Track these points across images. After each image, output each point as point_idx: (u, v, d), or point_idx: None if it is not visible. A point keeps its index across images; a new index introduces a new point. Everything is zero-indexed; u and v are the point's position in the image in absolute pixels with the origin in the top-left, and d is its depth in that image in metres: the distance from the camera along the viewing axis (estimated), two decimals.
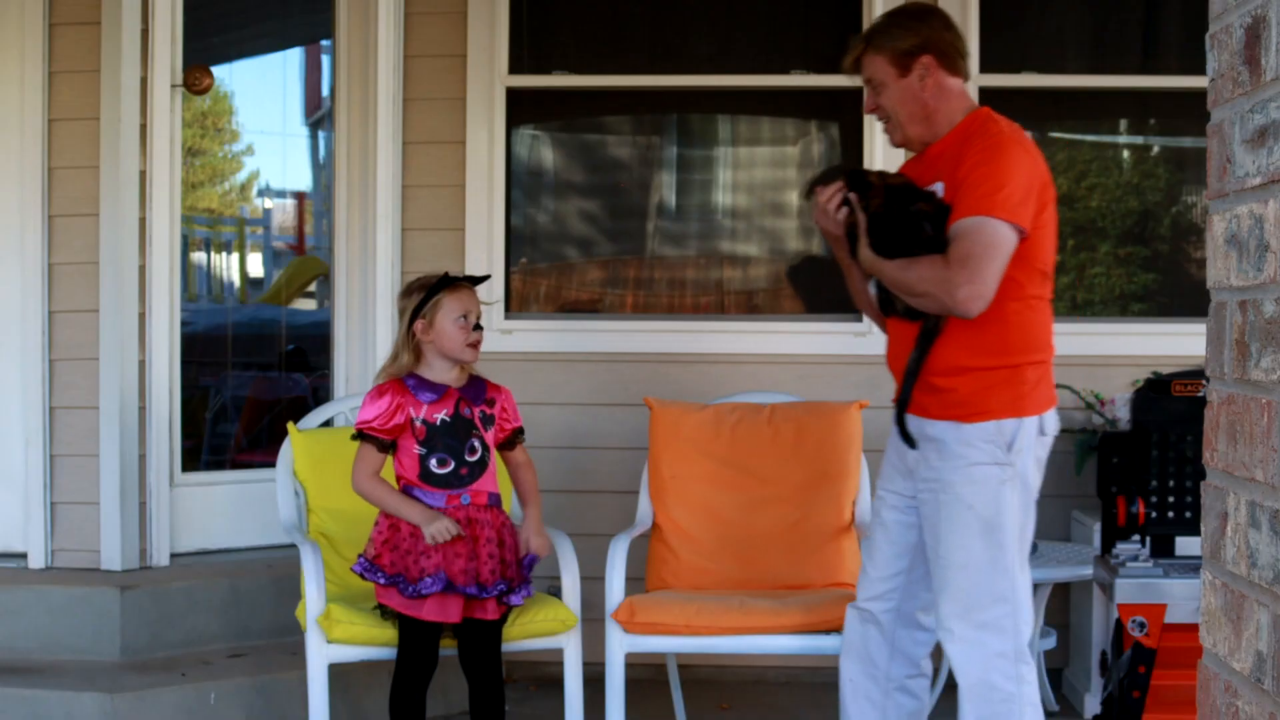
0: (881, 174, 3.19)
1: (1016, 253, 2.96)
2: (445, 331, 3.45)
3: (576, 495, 4.70)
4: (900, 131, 3.16)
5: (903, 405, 3.08)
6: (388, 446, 3.46)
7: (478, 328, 3.49)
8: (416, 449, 3.45)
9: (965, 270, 2.89)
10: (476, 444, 3.48)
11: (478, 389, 3.56)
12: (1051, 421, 3.11)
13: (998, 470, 3.01)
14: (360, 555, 3.48)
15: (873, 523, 3.29)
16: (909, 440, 3.08)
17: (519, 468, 3.64)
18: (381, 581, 3.42)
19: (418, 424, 3.44)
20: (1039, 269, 3.07)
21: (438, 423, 3.45)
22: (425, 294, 3.48)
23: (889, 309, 3.12)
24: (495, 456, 3.56)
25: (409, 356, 3.49)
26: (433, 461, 3.45)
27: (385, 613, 3.50)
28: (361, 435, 3.47)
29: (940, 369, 3.03)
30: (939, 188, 3.05)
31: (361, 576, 3.47)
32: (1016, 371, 3.04)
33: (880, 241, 3.02)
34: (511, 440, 3.60)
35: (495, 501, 3.51)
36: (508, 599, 3.47)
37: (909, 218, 3.01)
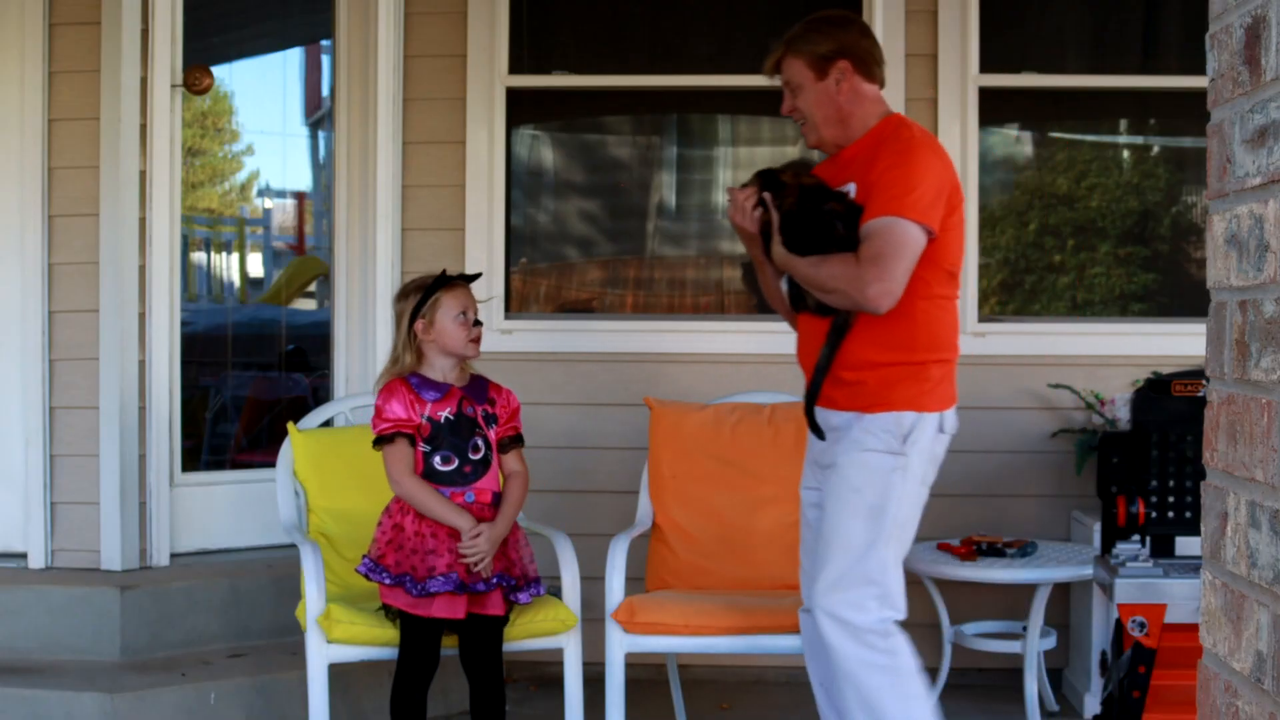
0: (796, 174, 3.26)
1: (925, 253, 3.07)
2: (446, 329, 3.48)
3: (576, 495, 4.70)
4: (815, 133, 3.26)
5: (812, 399, 3.17)
6: (414, 441, 3.47)
7: (477, 323, 3.52)
8: (421, 446, 3.47)
9: (875, 268, 3.00)
10: (480, 442, 3.50)
11: (480, 388, 3.57)
12: (951, 420, 3.20)
13: (889, 459, 3.11)
14: (364, 556, 3.49)
15: (801, 523, 3.36)
16: (818, 432, 3.19)
17: (511, 476, 3.62)
18: (387, 581, 3.42)
19: (423, 422, 3.46)
20: (946, 269, 3.16)
21: (442, 421, 3.47)
22: (423, 294, 3.50)
23: (800, 305, 3.21)
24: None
25: (411, 357, 3.51)
26: (437, 459, 3.46)
27: (390, 613, 3.50)
28: (386, 438, 3.45)
29: (849, 363, 3.13)
30: (851, 189, 3.15)
31: (366, 577, 3.47)
32: (921, 368, 3.14)
33: (793, 239, 3.12)
34: (508, 444, 3.60)
35: (498, 500, 3.53)
36: (515, 596, 3.48)
37: (821, 216, 3.10)
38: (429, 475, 3.46)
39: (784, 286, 3.26)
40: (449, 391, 3.50)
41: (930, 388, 3.14)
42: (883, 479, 3.11)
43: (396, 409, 3.45)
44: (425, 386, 3.49)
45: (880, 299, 3.00)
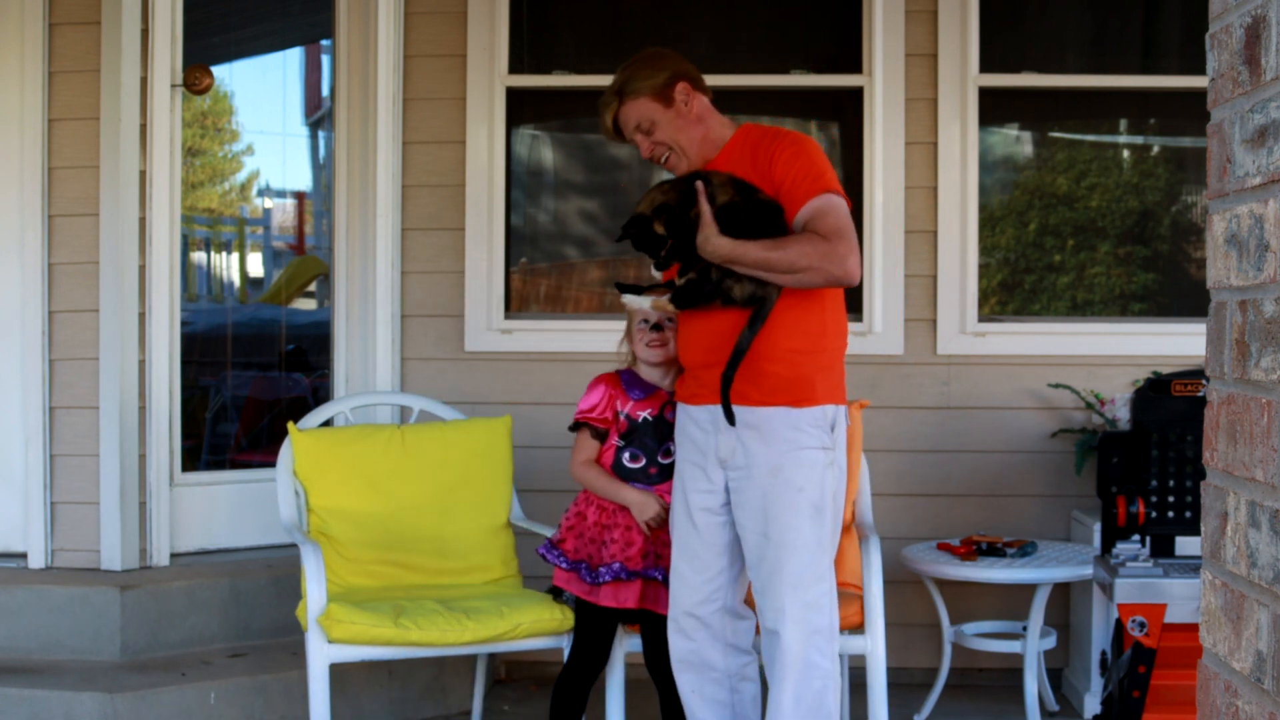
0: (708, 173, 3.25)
1: None
2: (633, 335, 3.55)
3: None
4: (686, 159, 3.30)
5: (728, 384, 3.13)
6: (602, 435, 3.54)
7: (656, 328, 3.49)
8: (615, 440, 3.53)
9: (845, 242, 3.05)
10: (673, 448, 3.50)
11: None
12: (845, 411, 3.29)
13: (824, 454, 3.14)
14: (546, 539, 3.59)
15: (684, 530, 3.29)
16: (731, 418, 3.14)
17: None
18: (564, 565, 3.52)
19: (621, 417, 3.52)
20: None
21: (640, 420, 3.52)
22: None
23: (701, 301, 3.17)
24: None
25: (630, 356, 3.59)
26: (626, 455, 3.53)
27: (558, 595, 3.59)
28: (579, 424, 3.55)
29: (765, 353, 3.12)
30: None
31: (544, 558, 3.57)
32: (830, 357, 3.19)
33: (738, 231, 3.09)
34: None
35: None
36: None
37: (762, 206, 3.12)
38: (616, 470, 3.53)
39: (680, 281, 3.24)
40: (655, 393, 3.53)
41: (838, 379, 3.21)
42: (819, 475, 3.14)
43: (591, 399, 3.54)
44: (634, 385, 3.54)
45: (857, 270, 3.05)
